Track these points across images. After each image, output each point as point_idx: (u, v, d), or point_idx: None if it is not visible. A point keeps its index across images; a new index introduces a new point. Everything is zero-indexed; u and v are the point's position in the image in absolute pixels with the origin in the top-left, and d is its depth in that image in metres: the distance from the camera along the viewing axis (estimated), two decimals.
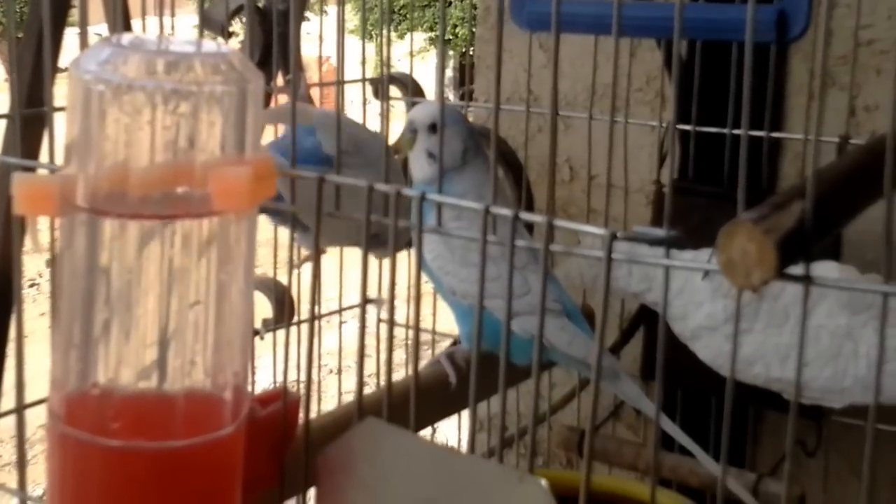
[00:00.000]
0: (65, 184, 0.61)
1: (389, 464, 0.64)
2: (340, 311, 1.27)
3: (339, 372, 1.26)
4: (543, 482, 0.59)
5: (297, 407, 0.73)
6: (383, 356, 0.72)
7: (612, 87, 0.59)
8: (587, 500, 0.59)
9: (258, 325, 1.19)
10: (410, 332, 1.09)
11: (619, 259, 0.57)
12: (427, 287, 0.98)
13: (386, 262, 1.01)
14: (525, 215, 0.59)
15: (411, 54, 1.38)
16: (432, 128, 0.93)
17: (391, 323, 0.73)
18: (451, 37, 9.57)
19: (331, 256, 1.12)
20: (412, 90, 1.26)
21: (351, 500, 0.66)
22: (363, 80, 1.20)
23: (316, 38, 1.08)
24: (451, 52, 9.88)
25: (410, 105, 1.25)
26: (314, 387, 1.08)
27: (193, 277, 0.62)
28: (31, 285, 4.84)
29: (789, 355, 1.06)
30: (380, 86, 1.24)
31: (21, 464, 0.81)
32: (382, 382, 0.70)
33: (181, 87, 0.59)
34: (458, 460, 0.62)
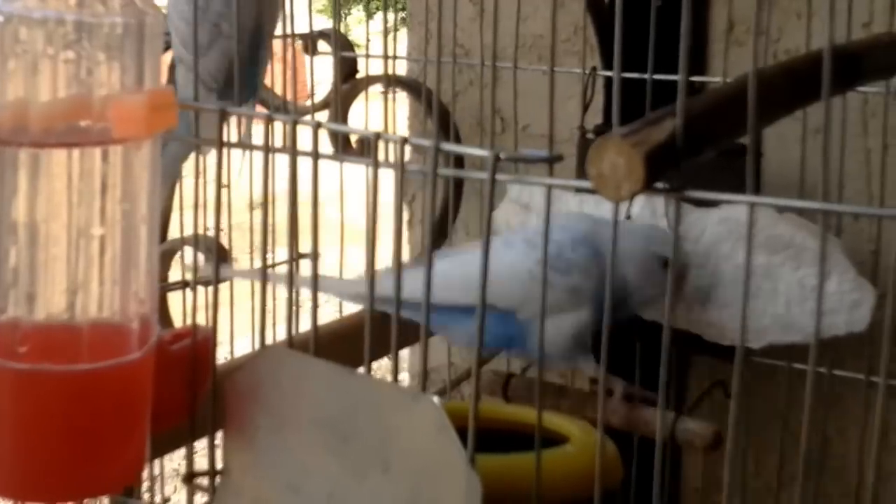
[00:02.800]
0: None
1: (292, 387, 0.66)
2: (272, 265, 1.28)
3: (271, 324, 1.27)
4: (436, 399, 0.62)
5: (208, 344, 0.75)
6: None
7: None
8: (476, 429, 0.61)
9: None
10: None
11: (504, 179, 0.59)
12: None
13: None
14: (415, 140, 0.61)
15: (385, 32, 1.39)
16: None
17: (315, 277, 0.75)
18: None
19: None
20: (340, 45, 1.27)
21: (257, 424, 0.68)
22: (292, 35, 1.21)
23: None
24: None
25: (339, 60, 1.26)
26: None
27: (98, 207, 0.64)
28: None
29: (709, 296, 1.08)
30: (308, 41, 1.25)
31: None
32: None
33: (81, 18, 0.61)
34: (356, 381, 0.64)
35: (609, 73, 1.18)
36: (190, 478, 0.73)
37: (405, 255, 1.40)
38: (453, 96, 1.20)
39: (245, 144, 0.68)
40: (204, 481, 0.73)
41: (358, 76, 1.31)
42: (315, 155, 0.63)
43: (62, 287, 0.64)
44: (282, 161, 0.69)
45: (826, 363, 1.10)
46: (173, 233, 1.23)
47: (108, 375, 0.65)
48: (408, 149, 0.63)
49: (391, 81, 1.24)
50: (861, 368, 1.09)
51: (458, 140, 1.27)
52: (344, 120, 1.25)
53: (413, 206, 1.49)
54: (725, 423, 1.19)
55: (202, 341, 0.74)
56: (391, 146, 0.63)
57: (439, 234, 1.32)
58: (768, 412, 1.25)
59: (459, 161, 1.33)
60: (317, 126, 0.63)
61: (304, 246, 0.78)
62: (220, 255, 1.19)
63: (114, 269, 0.65)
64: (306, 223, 0.69)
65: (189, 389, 0.73)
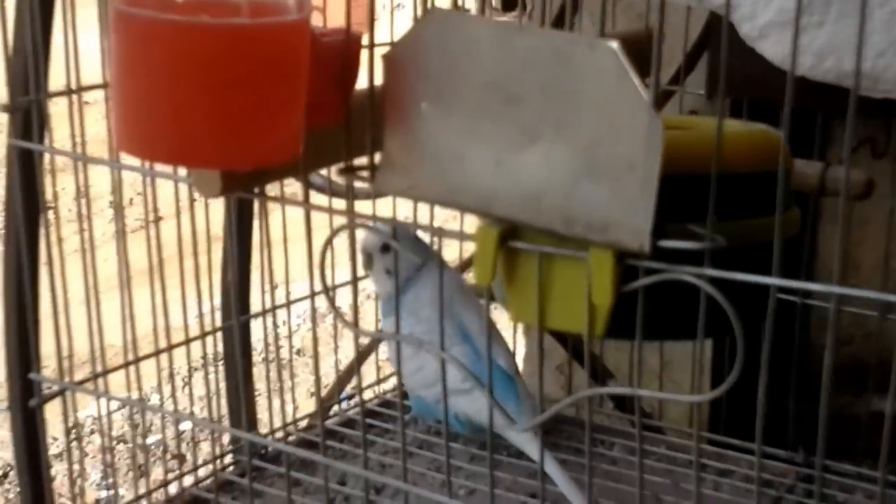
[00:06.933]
0: None
1: (458, 51, 0.63)
2: None
3: None
4: (615, 44, 0.58)
5: (360, 41, 0.72)
6: None
7: None
8: None
9: None
10: None
11: None
12: None
13: None
14: None
15: None
16: (384, 248, 1.04)
17: None
18: None
19: None
20: None
21: (419, 97, 0.65)
22: None
23: None
24: None
25: None
26: None
27: None
28: None
29: (863, 44, 1.03)
30: None
31: None
32: None
33: None
34: (526, 35, 0.61)
35: None
36: (349, 169, 0.71)
37: None
38: None
39: None
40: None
41: None
42: None
43: None
44: None
45: None
46: None
47: (267, 32, 0.62)
48: None
49: None
50: None
51: None
52: None
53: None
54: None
55: (355, 38, 0.72)
56: None
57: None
58: None
59: None
60: None
61: None
62: None
63: None
64: None
65: (340, 85, 0.71)
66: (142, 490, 1.01)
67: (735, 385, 1.13)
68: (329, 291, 0.74)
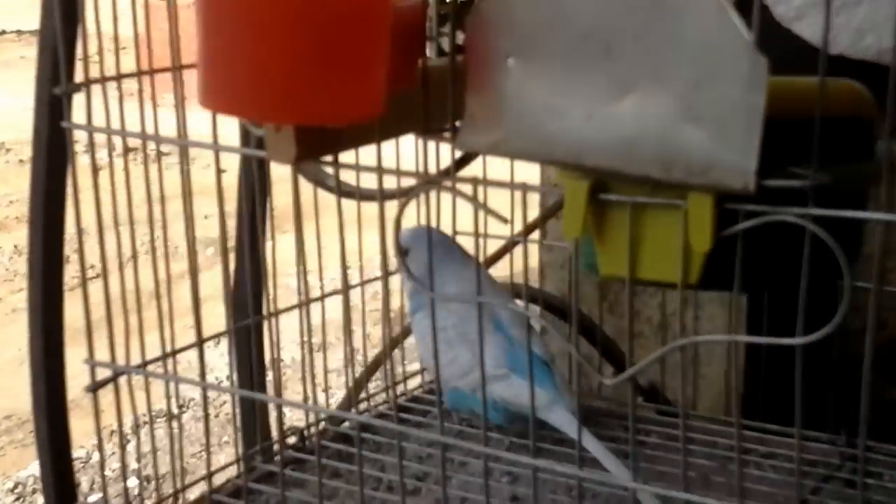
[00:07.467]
0: None
1: (545, 2, 0.62)
2: None
3: None
4: None
5: (425, 7, 0.72)
6: None
7: None
8: None
9: None
10: None
11: None
12: None
13: None
14: None
15: None
16: (403, 252, 1.04)
17: None
18: None
19: None
20: None
21: (506, 53, 0.64)
22: None
23: None
24: None
25: None
26: None
27: None
28: None
29: None
30: None
31: None
32: None
33: None
34: None
35: None
36: (429, 131, 0.70)
37: None
38: None
39: None
40: None
41: None
42: None
43: None
44: None
45: None
46: None
47: None
48: None
49: None
50: None
51: None
52: None
53: None
54: None
55: (419, 6, 0.72)
56: None
57: None
58: None
59: None
60: None
61: None
62: None
63: None
64: None
65: (409, 50, 0.71)
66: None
67: (769, 371, 1.13)
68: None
